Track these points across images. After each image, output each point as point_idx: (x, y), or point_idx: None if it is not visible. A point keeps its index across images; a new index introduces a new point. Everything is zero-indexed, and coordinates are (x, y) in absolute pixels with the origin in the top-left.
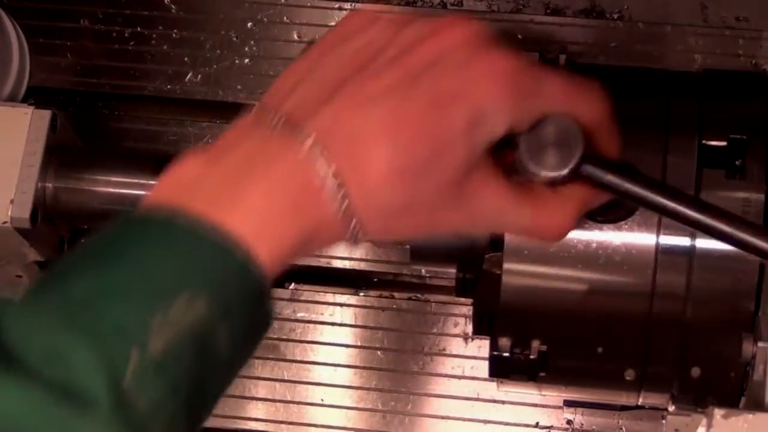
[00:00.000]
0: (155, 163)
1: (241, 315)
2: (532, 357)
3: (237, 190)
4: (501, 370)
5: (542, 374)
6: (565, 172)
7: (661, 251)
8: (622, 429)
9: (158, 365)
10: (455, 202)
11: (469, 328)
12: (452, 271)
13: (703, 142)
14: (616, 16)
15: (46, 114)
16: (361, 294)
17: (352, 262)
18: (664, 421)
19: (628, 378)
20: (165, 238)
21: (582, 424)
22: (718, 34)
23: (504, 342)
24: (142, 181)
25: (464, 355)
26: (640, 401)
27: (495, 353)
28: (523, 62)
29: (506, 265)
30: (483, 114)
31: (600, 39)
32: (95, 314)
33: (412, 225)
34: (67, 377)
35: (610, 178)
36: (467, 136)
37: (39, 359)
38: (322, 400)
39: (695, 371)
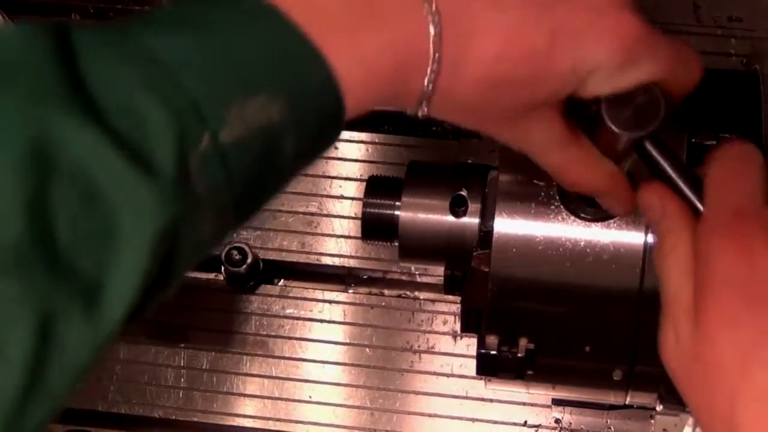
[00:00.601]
0: None
1: (311, 130)
2: (519, 355)
3: (356, 26)
4: (488, 368)
5: (530, 372)
6: (634, 135)
7: (650, 250)
8: (610, 428)
9: (223, 155)
10: (516, 122)
11: (458, 326)
12: (442, 268)
13: (693, 140)
14: None
15: None
16: (350, 291)
17: (342, 259)
18: (652, 421)
19: (615, 378)
20: (265, 31)
21: (570, 423)
22: (711, 34)
23: (491, 340)
24: None
25: (453, 353)
26: (628, 400)
27: (482, 351)
28: (647, 29)
29: (494, 263)
30: (589, 67)
31: None
32: (177, 85)
33: (470, 121)
34: (141, 140)
35: (665, 165)
36: (564, 77)
37: (117, 113)
38: (310, 397)
39: None
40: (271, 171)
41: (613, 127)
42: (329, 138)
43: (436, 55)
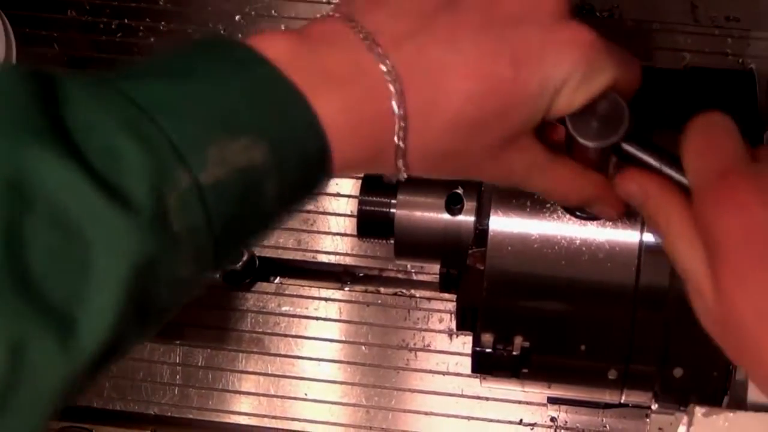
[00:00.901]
0: None
1: (294, 175)
2: (514, 353)
3: (325, 79)
4: (484, 366)
5: (525, 371)
6: (607, 143)
7: (645, 248)
8: (606, 427)
9: (202, 196)
10: (497, 159)
11: (454, 324)
12: (438, 266)
13: None
14: (606, 14)
15: None
16: (347, 289)
17: (338, 256)
18: (648, 420)
19: (611, 377)
20: (248, 76)
21: (566, 422)
22: (708, 33)
23: (487, 338)
24: None
25: (449, 351)
26: (623, 399)
27: (477, 349)
28: (596, 34)
29: (489, 261)
30: (557, 83)
31: None
32: (157, 127)
33: (452, 169)
34: (119, 178)
35: (649, 160)
36: (535, 101)
37: (95, 152)
38: (306, 394)
39: (677, 371)
40: (252, 214)
41: (584, 142)
42: (314, 184)
43: (401, 111)
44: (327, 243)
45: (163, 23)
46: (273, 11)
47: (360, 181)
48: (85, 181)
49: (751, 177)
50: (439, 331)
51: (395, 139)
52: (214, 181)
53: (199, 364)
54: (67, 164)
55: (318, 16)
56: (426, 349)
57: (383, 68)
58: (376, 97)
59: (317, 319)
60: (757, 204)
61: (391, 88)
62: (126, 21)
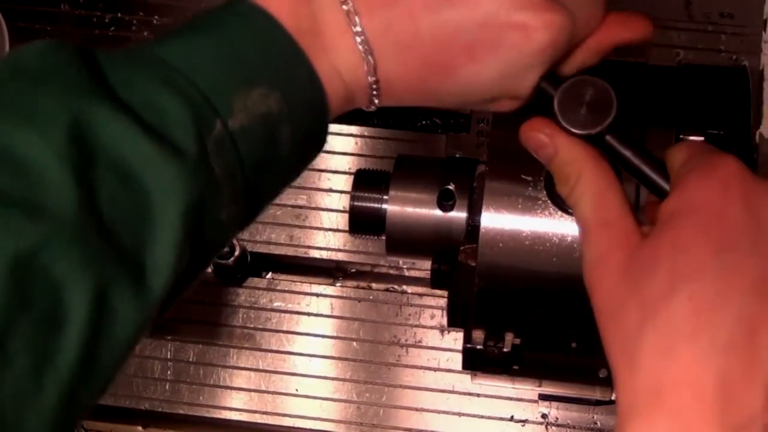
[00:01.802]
0: None
1: (302, 121)
2: (505, 350)
3: (319, 41)
4: (474, 362)
5: (515, 367)
6: (592, 132)
7: None
8: (596, 423)
9: (233, 140)
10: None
11: (446, 321)
12: (429, 262)
13: (681, 136)
14: None
15: None
16: (338, 284)
17: (330, 252)
18: None
19: (602, 375)
20: (258, 32)
21: (557, 418)
22: (701, 30)
23: (478, 334)
24: None
25: (440, 348)
26: (614, 396)
27: (468, 345)
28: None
29: (481, 257)
30: (526, 59)
31: None
32: (189, 82)
33: (420, 100)
34: (165, 128)
35: (627, 154)
36: (501, 81)
37: (140, 107)
38: (297, 390)
39: None
40: (273, 159)
41: (569, 128)
42: (319, 134)
43: (373, 78)
44: (319, 239)
45: (156, 17)
46: None
47: (352, 177)
48: (138, 132)
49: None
50: (431, 328)
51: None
52: (240, 126)
53: (191, 359)
54: (121, 117)
55: None
56: (417, 345)
57: (357, 39)
58: (356, 63)
59: (309, 314)
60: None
61: (369, 58)
62: (119, 15)
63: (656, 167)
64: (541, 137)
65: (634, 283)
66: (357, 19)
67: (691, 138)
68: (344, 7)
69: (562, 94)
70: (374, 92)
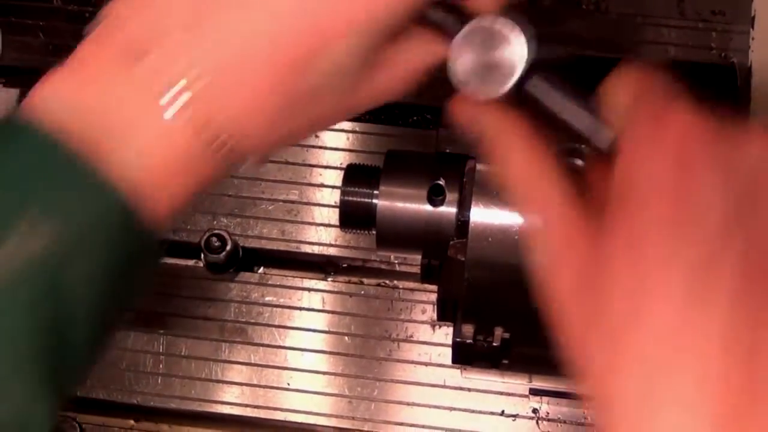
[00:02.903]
0: None
1: (103, 250)
2: (494, 344)
3: (112, 129)
4: (464, 356)
5: (505, 362)
6: (502, 91)
7: None
8: (587, 418)
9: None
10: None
11: (436, 315)
12: (420, 257)
13: None
14: (592, 7)
15: (13, 93)
16: (330, 279)
17: (321, 247)
18: None
19: None
20: (21, 146)
21: (548, 413)
22: (692, 27)
23: (467, 329)
24: None
25: (431, 342)
26: None
27: (458, 340)
28: None
29: (470, 252)
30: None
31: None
32: None
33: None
34: None
35: (554, 107)
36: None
37: None
38: (288, 384)
39: None
40: (69, 307)
41: (467, 91)
42: (141, 255)
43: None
44: (311, 233)
45: None
46: None
47: (343, 172)
48: None
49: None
50: (422, 322)
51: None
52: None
53: (183, 353)
54: None
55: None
56: (408, 339)
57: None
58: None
59: (300, 309)
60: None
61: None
62: None
63: (593, 117)
64: (463, 116)
65: (591, 310)
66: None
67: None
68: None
69: (455, 50)
70: (228, 150)
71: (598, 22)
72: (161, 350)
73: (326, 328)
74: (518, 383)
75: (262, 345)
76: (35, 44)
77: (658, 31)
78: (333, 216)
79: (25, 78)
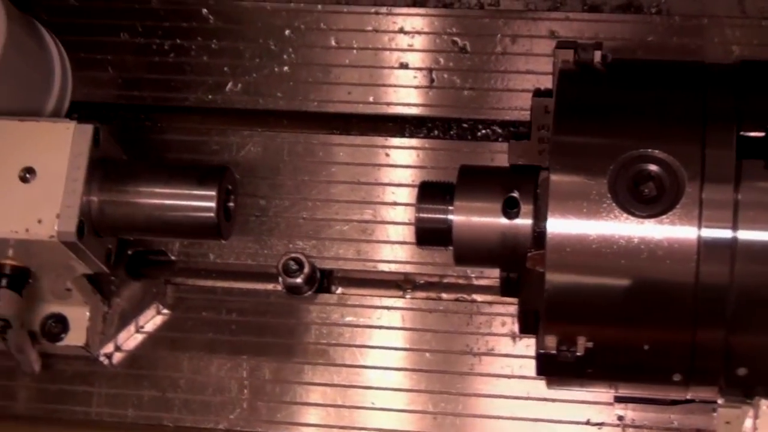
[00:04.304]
0: (199, 173)
1: None
2: (578, 354)
3: None
4: (548, 368)
5: (589, 371)
6: None
7: (704, 244)
8: (674, 423)
9: None
10: None
11: (517, 328)
12: (497, 270)
13: (741, 133)
14: (653, 11)
15: (88, 128)
16: (408, 296)
17: (398, 265)
18: (715, 414)
19: (675, 379)
20: None
21: (633, 420)
22: (756, 25)
23: (550, 340)
24: (186, 192)
25: (513, 355)
26: (690, 395)
27: (541, 351)
28: None
29: (549, 263)
30: None
31: (637, 33)
32: None
33: None
34: None
35: None
36: None
37: None
38: (372, 403)
39: (741, 371)
40: None
41: None
42: None
43: None
44: (386, 252)
45: (214, 41)
46: (322, 24)
47: (416, 190)
48: None
49: None
50: (503, 335)
51: None
52: None
53: (267, 377)
54: None
55: (365, 28)
56: (490, 353)
57: None
58: None
59: (380, 328)
60: None
61: None
62: (178, 41)
63: None
64: None
65: None
66: None
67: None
68: None
69: None
70: None
71: (662, 26)
72: (245, 375)
73: (406, 346)
74: (603, 391)
75: (345, 365)
76: (105, 78)
77: (721, 30)
78: (408, 233)
79: (98, 112)
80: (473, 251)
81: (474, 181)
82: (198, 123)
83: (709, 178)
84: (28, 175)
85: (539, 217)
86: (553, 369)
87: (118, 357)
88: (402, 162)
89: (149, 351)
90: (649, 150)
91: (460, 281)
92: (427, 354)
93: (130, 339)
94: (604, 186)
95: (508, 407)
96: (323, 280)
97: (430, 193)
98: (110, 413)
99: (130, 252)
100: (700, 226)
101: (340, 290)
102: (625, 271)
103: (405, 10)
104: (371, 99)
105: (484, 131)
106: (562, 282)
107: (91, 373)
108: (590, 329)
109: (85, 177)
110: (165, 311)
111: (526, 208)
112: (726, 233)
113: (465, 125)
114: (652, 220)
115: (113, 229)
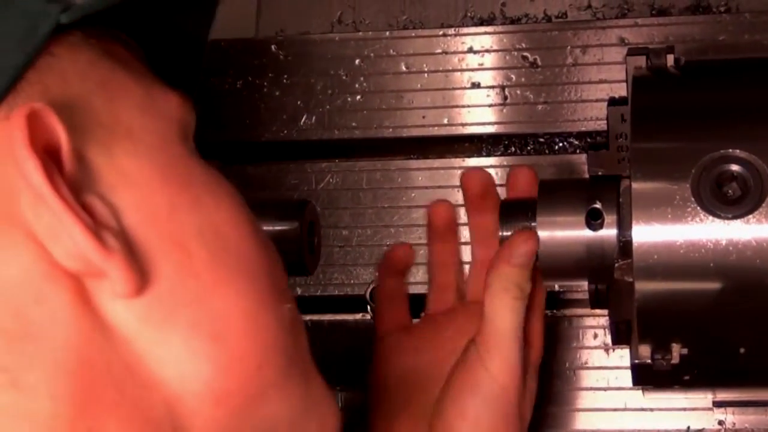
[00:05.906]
0: (280, 208)
1: None
2: (674, 362)
3: None
4: (644, 377)
5: (686, 378)
6: None
7: None
8: None
9: None
10: None
11: (609, 339)
12: (585, 283)
13: None
14: (722, 9)
15: None
16: None
17: None
18: None
19: None
20: None
21: (734, 423)
22: None
23: (644, 349)
24: (267, 228)
25: (607, 366)
26: None
27: (636, 361)
28: None
29: (637, 272)
30: None
31: (707, 34)
32: None
33: None
34: None
35: None
36: None
37: None
38: None
39: None
40: None
41: None
42: None
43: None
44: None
45: (285, 76)
46: (391, 50)
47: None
48: None
49: None
50: (595, 348)
51: None
52: None
53: (362, 408)
54: None
55: (435, 51)
56: (584, 366)
57: None
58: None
59: None
60: None
61: None
62: (249, 78)
63: None
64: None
65: None
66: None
67: None
68: None
69: None
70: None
71: (732, 24)
72: (341, 406)
73: None
74: (701, 397)
75: None
76: None
77: None
78: None
79: None
80: (560, 265)
81: (555, 196)
82: (275, 158)
83: None
84: None
85: (624, 227)
86: (649, 378)
87: None
88: None
89: None
90: (730, 150)
91: (548, 296)
92: None
93: None
94: (687, 190)
95: (606, 420)
96: (412, 306)
97: (511, 211)
98: None
99: None
100: None
101: None
102: (714, 273)
103: (473, 29)
104: (446, 121)
105: (561, 144)
106: (652, 290)
107: None
108: (684, 335)
109: None
110: None
111: (609, 218)
112: None
113: (541, 140)
114: (739, 220)
115: None
